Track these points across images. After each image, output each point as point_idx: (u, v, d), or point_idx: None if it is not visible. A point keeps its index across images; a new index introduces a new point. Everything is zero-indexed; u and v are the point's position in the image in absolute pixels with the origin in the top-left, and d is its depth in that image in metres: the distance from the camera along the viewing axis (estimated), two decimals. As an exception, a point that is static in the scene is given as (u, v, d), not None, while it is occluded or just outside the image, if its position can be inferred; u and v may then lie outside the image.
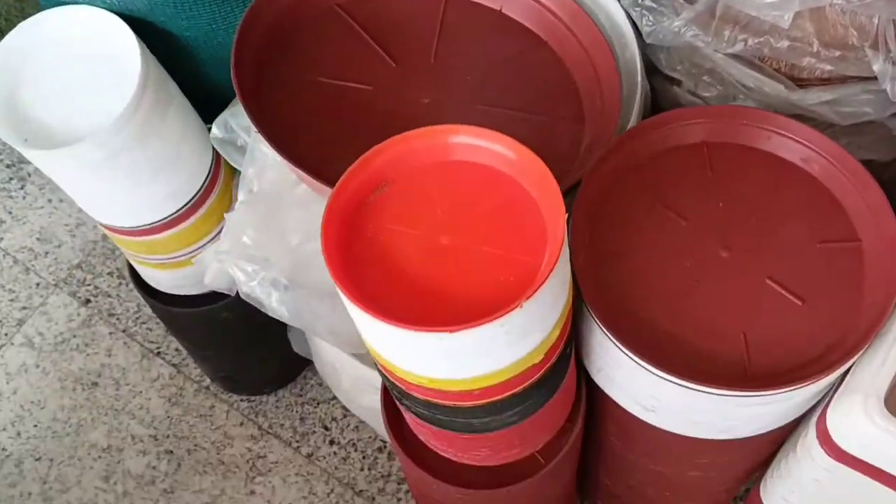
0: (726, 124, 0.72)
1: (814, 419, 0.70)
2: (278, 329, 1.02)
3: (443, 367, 0.54)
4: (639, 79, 0.78)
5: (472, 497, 0.72)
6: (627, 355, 0.63)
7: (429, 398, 0.59)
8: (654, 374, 0.63)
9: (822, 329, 0.64)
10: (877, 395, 0.61)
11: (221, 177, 0.89)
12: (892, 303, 0.62)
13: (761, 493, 0.87)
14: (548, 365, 0.59)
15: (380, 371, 0.61)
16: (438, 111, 0.75)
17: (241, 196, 0.71)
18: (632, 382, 0.68)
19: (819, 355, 0.63)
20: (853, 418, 0.62)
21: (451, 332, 0.48)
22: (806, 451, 0.71)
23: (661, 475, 0.88)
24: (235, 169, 0.91)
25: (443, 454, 0.72)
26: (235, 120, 0.75)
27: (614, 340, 0.63)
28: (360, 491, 1.21)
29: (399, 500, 1.21)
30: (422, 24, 0.80)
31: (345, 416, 1.26)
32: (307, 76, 0.75)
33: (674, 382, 0.63)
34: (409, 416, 0.67)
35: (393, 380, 0.59)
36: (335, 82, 0.75)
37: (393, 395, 0.64)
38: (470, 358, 0.53)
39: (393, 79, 0.77)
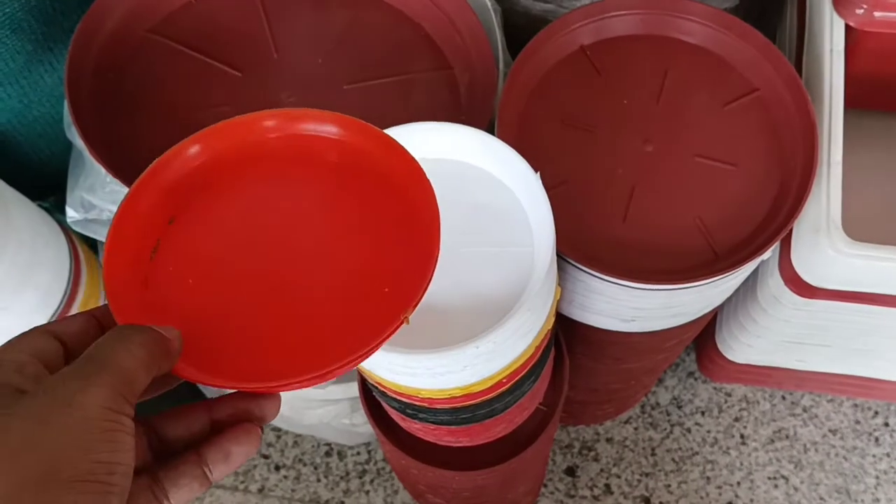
0: (595, 22, 0.70)
1: (772, 267, 0.72)
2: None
3: (475, 370, 0.50)
4: (489, 3, 0.75)
5: (499, 471, 0.69)
6: (609, 281, 0.62)
7: (455, 405, 0.55)
8: (638, 288, 0.62)
9: (763, 184, 0.66)
10: (836, 225, 0.64)
11: (83, 259, 0.79)
12: (816, 136, 0.64)
13: (720, 346, 0.91)
14: (553, 322, 0.57)
15: (393, 400, 0.57)
16: (306, 106, 0.69)
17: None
18: (612, 304, 0.67)
19: (770, 210, 0.65)
20: (821, 255, 0.65)
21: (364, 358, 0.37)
22: (772, 299, 0.74)
23: (628, 370, 0.90)
24: (95, 245, 0.81)
25: (454, 446, 0.69)
26: (94, 195, 0.66)
27: (595, 273, 0.61)
28: (327, 501, 1.16)
29: (367, 492, 1.17)
30: (246, 21, 0.73)
31: (279, 437, 1.20)
32: (158, 116, 0.66)
33: (657, 290, 0.63)
34: (418, 426, 0.64)
35: (416, 402, 0.55)
36: (191, 113, 0.67)
37: (405, 415, 0.60)
38: (504, 349, 0.50)
39: (245, 88, 0.69)
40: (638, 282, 0.61)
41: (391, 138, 0.40)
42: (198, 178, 0.40)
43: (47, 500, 0.27)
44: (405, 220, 0.39)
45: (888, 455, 1.18)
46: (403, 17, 0.75)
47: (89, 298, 0.79)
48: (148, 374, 0.32)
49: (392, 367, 0.50)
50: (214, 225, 0.39)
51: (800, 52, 0.74)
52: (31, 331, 0.34)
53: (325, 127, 0.41)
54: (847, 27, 0.69)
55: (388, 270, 0.38)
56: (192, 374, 0.34)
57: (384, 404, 0.66)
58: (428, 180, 0.39)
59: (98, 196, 0.66)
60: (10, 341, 0.34)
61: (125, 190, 0.62)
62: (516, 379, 0.55)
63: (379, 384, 0.55)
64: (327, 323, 0.37)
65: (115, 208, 0.67)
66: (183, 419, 0.36)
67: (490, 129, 0.67)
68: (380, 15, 0.75)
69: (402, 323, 0.36)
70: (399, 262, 0.38)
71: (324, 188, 0.41)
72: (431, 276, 0.37)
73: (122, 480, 0.29)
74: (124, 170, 0.63)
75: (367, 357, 0.36)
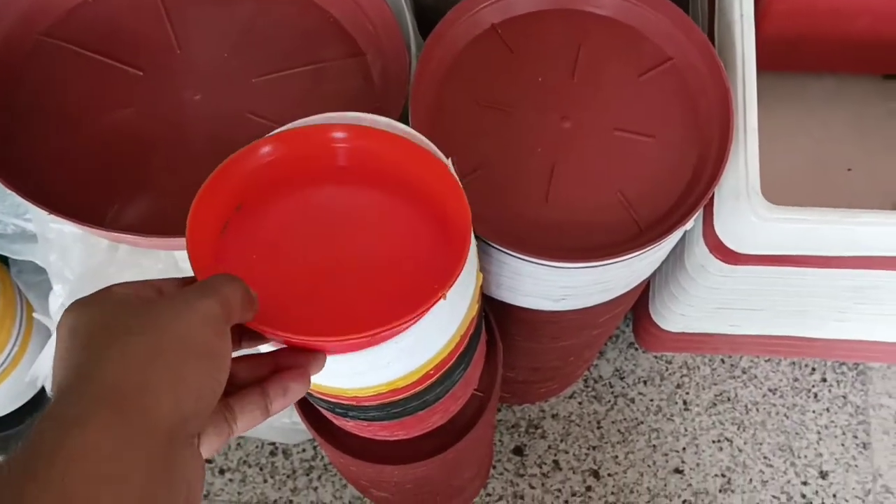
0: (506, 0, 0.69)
1: (697, 236, 0.72)
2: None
3: (399, 365, 0.49)
4: (396, -14, 0.73)
5: (437, 462, 0.68)
6: (535, 262, 0.61)
7: (383, 401, 0.54)
8: (564, 268, 0.62)
9: (682, 154, 0.65)
10: (755, 191, 0.64)
11: (-7, 275, 0.76)
12: (730, 103, 0.64)
13: (654, 317, 0.91)
14: (477, 308, 0.56)
15: (320, 401, 0.55)
16: (212, 103, 0.67)
17: (59, 289, 0.60)
18: (540, 285, 0.66)
19: (691, 180, 0.65)
20: (743, 222, 0.65)
21: (406, 326, 0.43)
22: (699, 268, 0.74)
23: (566, 347, 0.90)
24: (3, 260, 0.78)
25: (391, 440, 0.67)
26: (-5, 209, 0.62)
27: (520, 255, 0.60)
28: (275, 501, 1.14)
29: (315, 489, 1.15)
30: (145, 17, 0.70)
31: (222, 441, 1.17)
32: (58, 122, 0.64)
33: (583, 267, 0.62)
34: (351, 424, 0.62)
35: (343, 402, 0.53)
36: (92, 117, 0.64)
37: (335, 414, 0.59)
38: (426, 342, 0.48)
39: (148, 88, 0.67)
40: (563, 261, 0.60)
41: (435, 157, 0.47)
42: (266, 173, 0.47)
43: (182, 362, 0.35)
44: (440, 224, 0.46)
45: (827, 410, 1.20)
46: (311, 5, 0.72)
47: (5, 314, 0.76)
48: (240, 313, 0.39)
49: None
50: (277, 213, 0.47)
51: (712, 19, 0.73)
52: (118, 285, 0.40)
53: (383, 146, 0.48)
54: (756, -9, 0.69)
55: (423, 260, 0.45)
56: (261, 326, 0.41)
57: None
58: (462, 192, 0.46)
59: (-1, 210, 0.63)
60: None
61: (26, 203, 0.59)
62: (444, 370, 0.54)
63: (303, 386, 0.53)
64: (369, 297, 0.44)
65: (18, 221, 0.65)
66: (250, 363, 0.43)
67: (405, 115, 0.66)
68: (286, 3, 0.72)
69: (440, 298, 0.43)
70: (432, 255, 0.46)
71: (372, 191, 0.48)
72: (465, 259, 0.44)
73: (226, 366, 0.37)
74: (23, 181, 0.60)
75: (408, 325, 0.43)
